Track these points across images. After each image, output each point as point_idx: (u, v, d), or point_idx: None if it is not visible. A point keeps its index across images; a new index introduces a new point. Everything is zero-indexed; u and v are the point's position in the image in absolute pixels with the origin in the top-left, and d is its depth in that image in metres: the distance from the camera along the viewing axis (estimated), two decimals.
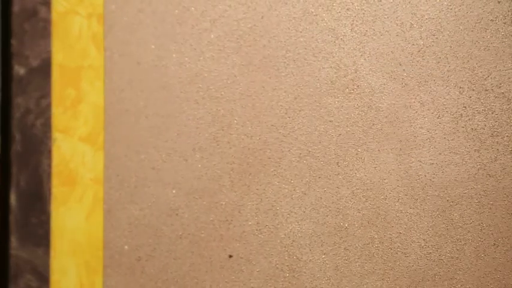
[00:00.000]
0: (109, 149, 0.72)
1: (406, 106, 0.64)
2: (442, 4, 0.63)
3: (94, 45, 0.73)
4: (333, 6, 0.65)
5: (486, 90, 0.63)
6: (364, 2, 0.65)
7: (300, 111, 0.66)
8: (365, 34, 0.65)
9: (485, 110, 0.63)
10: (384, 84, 0.64)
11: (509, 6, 0.62)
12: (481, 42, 0.63)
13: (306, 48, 0.66)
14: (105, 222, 0.73)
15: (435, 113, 0.63)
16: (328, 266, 0.66)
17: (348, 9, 0.65)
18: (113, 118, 0.72)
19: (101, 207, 0.73)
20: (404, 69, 0.64)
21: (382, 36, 0.64)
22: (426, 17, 0.63)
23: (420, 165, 0.64)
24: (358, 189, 0.65)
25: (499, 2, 0.63)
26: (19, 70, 0.77)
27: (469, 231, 0.64)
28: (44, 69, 0.76)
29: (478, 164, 0.63)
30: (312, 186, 0.66)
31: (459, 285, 0.64)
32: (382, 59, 0.64)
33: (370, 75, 0.65)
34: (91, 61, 0.73)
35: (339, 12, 0.65)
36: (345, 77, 0.65)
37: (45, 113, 0.76)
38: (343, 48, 0.65)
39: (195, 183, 0.69)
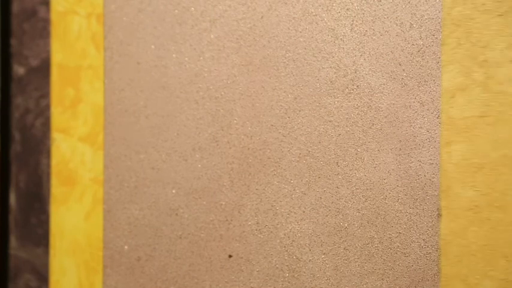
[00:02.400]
0: (109, 149, 0.72)
1: (406, 106, 0.64)
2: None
3: (94, 45, 0.73)
4: (333, 6, 0.65)
5: None
6: (364, 2, 0.65)
7: (299, 111, 0.66)
8: (365, 34, 0.65)
9: None
10: (384, 84, 0.64)
11: None
12: None
13: (305, 48, 0.66)
14: (105, 222, 0.73)
15: (435, 113, 0.63)
16: (327, 265, 0.66)
17: (347, 9, 0.65)
18: (112, 118, 0.72)
19: (100, 207, 0.73)
20: (404, 69, 0.64)
21: (382, 36, 0.64)
22: (426, 17, 0.63)
23: (420, 165, 0.64)
24: (357, 189, 0.65)
25: None
26: (18, 70, 0.77)
27: None
28: (44, 69, 0.76)
29: None
30: (311, 186, 0.66)
31: None
32: (382, 59, 0.64)
33: (370, 75, 0.65)
34: (90, 61, 0.73)
35: (339, 12, 0.65)
36: (344, 77, 0.65)
37: (44, 112, 0.76)
38: (343, 48, 0.65)
39: (195, 183, 0.69)
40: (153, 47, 0.71)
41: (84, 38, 0.73)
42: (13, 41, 0.76)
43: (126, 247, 0.72)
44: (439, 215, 0.63)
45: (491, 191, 0.61)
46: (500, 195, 0.61)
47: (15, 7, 0.76)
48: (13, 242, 0.77)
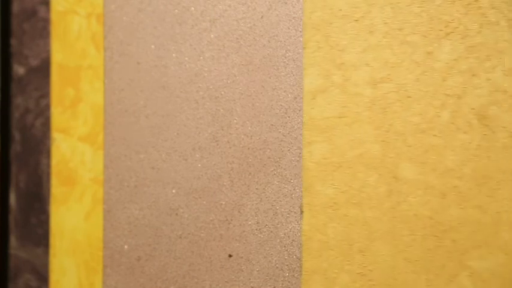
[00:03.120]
0: (109, 148, 0.72)
1: None
2: None
3: (94, 45, 0.73)
4: None
5: None
6: None
7: (299, 110, 0.66)
8: None
9: None
10: None
11: None
12: None
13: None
14: (105, 222, 0.73)
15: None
16: None
17: None
18: (112, 118, 0.72)
19: (100, 207, 0.73)
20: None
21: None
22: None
23: None
24: None
25: None
26: (18, 70, 0.77)
27: None
28: (44, 69, 0.76)
29: None
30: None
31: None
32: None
33: None
34: (90, 61, 0.73)
35: None
36: None
37: (44, 112, 0.76)
38: None
39: (195, 183, 0.69)
40: (153, 47, 0.71)
41: (84, 38, 0.73)
42: (13, 41, 0.77)
43: (126, 247, 0.72)
44: (302, 212, 0.64)
45: (349, 189, 0.63)
46: (356, 193, 0.62)
47: (15, 7, 0.76)
48: (13, 242, 0.77)
